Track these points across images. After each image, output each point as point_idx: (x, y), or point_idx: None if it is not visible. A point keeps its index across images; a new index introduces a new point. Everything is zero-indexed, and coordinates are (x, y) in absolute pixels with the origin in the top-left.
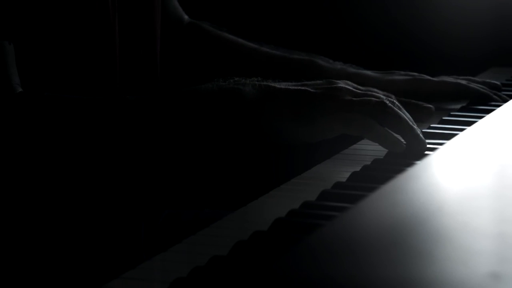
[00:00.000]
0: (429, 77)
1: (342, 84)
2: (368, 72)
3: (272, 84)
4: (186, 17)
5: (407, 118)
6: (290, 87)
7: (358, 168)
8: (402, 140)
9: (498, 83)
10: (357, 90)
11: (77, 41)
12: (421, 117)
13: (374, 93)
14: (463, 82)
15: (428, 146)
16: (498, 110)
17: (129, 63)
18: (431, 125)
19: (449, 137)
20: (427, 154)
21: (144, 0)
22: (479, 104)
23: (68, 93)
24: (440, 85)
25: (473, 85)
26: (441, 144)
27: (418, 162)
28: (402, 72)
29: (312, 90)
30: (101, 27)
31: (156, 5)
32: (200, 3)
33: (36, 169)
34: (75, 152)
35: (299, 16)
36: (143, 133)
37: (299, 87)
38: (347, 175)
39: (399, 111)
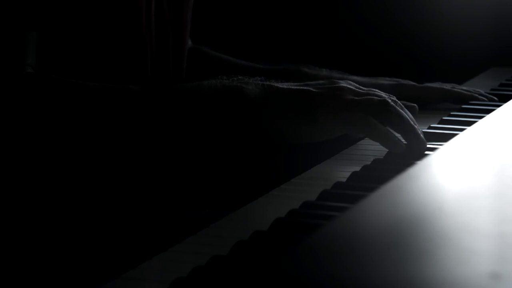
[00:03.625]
0: (414, 83)
1: (344, 83)
2: (354, 77)
3: (275, 84)
4: (190, 42)
5: (409, 118)
6: (292, 87)
7: (358, 168)
8: (403, 140)
9: (482, 91)
10: (359, 90)
11: (107, 39)
12: None
13: (376, 93)
14: (448, 87)
15: (428, 146)
16: (498, 110)
17: (158, 75)
18: (431, 125)
19: (449, 137)
20: (427, 154)
21: (178, 17)
22: (479, 104)
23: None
24: (425, 90)
25: (457, 88)
26: (441, 144)
27: (418, 162)
28: (387, 78)
29: (314, 90)
30: (133, 31)
31: (187, 23)
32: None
33: (35, 155)
34: (76, 137)
35: (300, 16)
36: (145, 123)
37: (301, 87)
38: (347, 175)
39: (401, 110)
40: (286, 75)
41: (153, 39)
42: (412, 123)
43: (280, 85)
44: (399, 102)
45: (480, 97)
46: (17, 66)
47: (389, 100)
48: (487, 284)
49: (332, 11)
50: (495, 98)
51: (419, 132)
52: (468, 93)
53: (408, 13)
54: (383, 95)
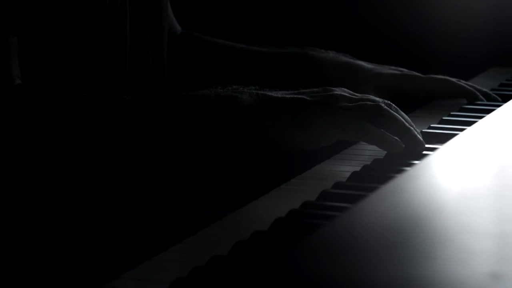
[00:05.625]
0: (418, 74)
1: (338, 91)
2: (359, 62)
3: (269, 93)
4: (179, 28)
5: (403, 120)
6: (286, 96)
7: (358, 168)
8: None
9: (487, 90)
10: (353, 97)
11: (85, 40)
12: None
13: (370, 98)
14: (452, 80)
15: (428, 146)
16: (498, 110)
17: (138, 69)
18: (431, 125)
19: (449, 137)
20: (427, 154)
21: (154, 7)
22: (479, 104)
23: (75, 91)
24: (428, 81)
25: (462, 82)
26: (441, 144)
27: (418, 162)
28: (393, 67)
29: (308, 98)
30: (110, 28)
31: (164, 11)
32: (191, 10)
33: (30, 164)
34: (70, 147)
35: (299, 16)
36: (139, 132)
37: (295, 95)
38: (347, 175)
39: (395, 113)
40: (293, 60)
41: (128, 28)
42: (407, 124)
43: (274, 94)
44: (393, 105)
45: (480, 96)
46: (5, 78)
47: (383, 104)
48: (487, 284)
49: (332, 11)
50: (499, 98)
51: (416, 133)
52: (471, 88)
53: (408, 13)
54: (377, 99)
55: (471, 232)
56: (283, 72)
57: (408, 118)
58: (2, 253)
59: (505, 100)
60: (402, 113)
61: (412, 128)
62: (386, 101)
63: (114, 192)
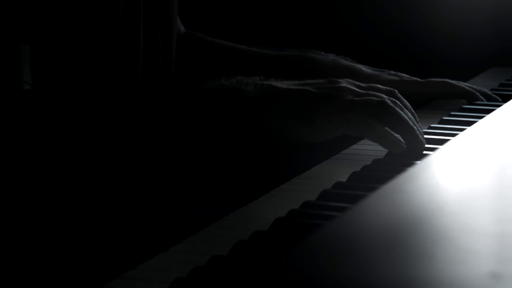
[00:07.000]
0: (416, 79)
1: (344, 83)
2: (358, 67)
3: (274, 84)
4: (182, 28)
5: (407, 119)
6: (292, 87)
7: (358, 168)
8: (402, 141)
9: (487, 90)
10: (359, 90)
11: (100, 46)
12: None
13: (376, 92)
14: (451, 82)
15: (428, 146)
16: (498, 110)
17: (150, 71)
18: (431, 125)
19: (449, 137)
20: (427, 154)
21: (165, 11)
22: (479, 104)
23: (90, 93)
24: (426, 85)
25: (461, 84)
26: (441, 144)
27: (418, 162)
28: (392, 72)
29: (313, 90)
30: (125, 33)
31: (174, 15)
32: (193, 10)
33: (38, 165)
34: (77, 149)
35: (300, 17)
36: (144, 130)
37: (301, 87)
38: (347, 175)
39: (400, 111)
40: (293, 62)
41: (142, 33)
42: (411, 123)
43: (279, 84)
44: (398, 101)
45: (480, 96)
46: (14, 84)
47: (388, 101)
48: (487, 284)
49: (332, 11)
50: (499, 99)
51: (418, 133)
52: (471, 89)
53: (408, 13)
54: (383, 95)
55: (471, 232)
56: (283, 74)
57: (414, 113)
58: (2, 253)
59: (505, 100)
60: (409, 106)
61: (416, 128)
62: (392, 93)
63: (115, 192)
